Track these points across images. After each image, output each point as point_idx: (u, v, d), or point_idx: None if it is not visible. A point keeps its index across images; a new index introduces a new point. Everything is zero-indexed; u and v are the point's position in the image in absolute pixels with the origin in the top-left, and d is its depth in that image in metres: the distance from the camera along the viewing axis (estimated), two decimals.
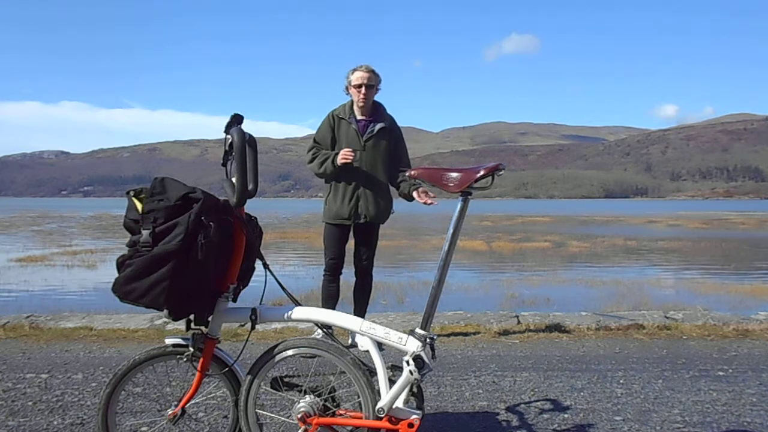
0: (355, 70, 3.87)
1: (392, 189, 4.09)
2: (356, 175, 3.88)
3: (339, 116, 3.94)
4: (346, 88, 3.93)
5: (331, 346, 1.95)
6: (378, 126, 3.92)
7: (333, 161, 3.82)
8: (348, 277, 4.09)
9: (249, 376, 1.98)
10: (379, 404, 1.88)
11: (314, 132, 4.14)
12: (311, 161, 3.98)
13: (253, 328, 1.97)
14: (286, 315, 1.97)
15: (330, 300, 3.96)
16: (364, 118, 3.93)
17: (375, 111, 3.97)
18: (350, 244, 4.04)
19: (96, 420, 2.03)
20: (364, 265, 4.02)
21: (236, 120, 1.92)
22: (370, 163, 3.89)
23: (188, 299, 1.82)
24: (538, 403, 2.96)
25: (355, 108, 3.92)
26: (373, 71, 3.86)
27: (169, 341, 2.00)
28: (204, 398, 2.63)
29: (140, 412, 2.76)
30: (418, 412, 1.89)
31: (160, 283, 1.75)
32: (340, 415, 1.98)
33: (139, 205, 1.84)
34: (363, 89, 3.82)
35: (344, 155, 3.76)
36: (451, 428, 2.64)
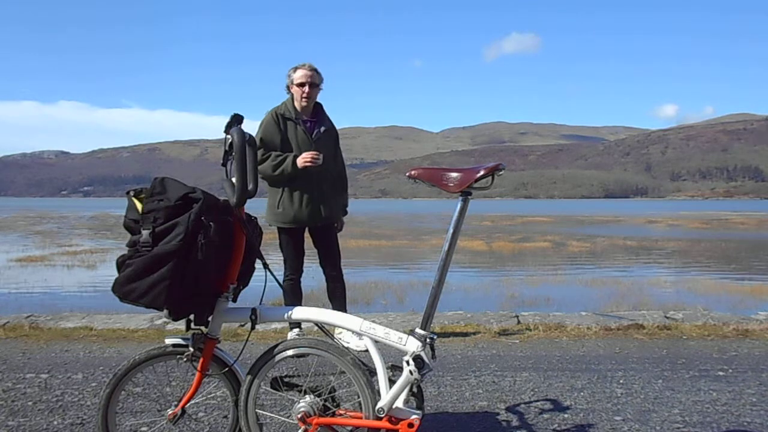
0: (297, 68, 3.81)
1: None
2: (311, 177, 3.80)
3: (284, 116, 3.84)
4: (288, 87, 3.86)
5: (331, 346, 1.95)
6: (323, 127, 3.92)
7: (293, 164, 3.72)
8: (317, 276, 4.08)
9: (249, 376, 1.97)
10: (379, 404, 1.88)
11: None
12: (262, 162, 3.76)
13: (253, 328, 1.97)
14: (286, 315, 1.97)
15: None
16: (308, 118, 3.90)
17: (318, 111, 3.96)
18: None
19: (96, 420, 2.03)
20: (335, 264, 4.00)
21: (236, 120, 1.92)
22: (322, 164, 3.81)
23: (188, 299, 1.82)
24: (538, 403, 2.96)
25: (297, 107, 3.86)
26: (316, 70, 3.82)
27: (169, 341, 2.00)
28: (204, 398, 2.63)
29: (140, 412, 2.76)
30: (418, 412, 1.89)
31: (160, 283, 1.75)
32: (340, 415, 1.98)
33: (139, 205, 1.84)
34: (306, 88, 3.78)
35: (312, 158, 3.69)
36: (451, 428, 2.64)
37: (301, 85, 3.78)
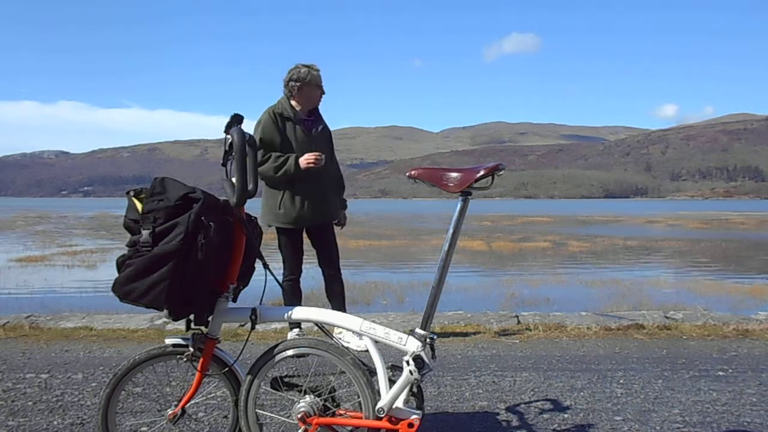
0: (310, 69, 3.80)
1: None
2: (313, 177, 3.79)
3: (283, 115, 3.81)
4: (295, 86, 3.78)
5: (331, 346, 1.95)
6: (320, 126, 3.95)
7: (296, 165, 3.69)
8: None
9: (249, 376, 1.98)
10: (379, 404, 1.88)
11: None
12: (263, 164, 3.70)
13: (253, 328, 1.97)
14: (286, 315, 1.97)
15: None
16: (305, 117, 3.90)
17: (314, 110, 3.96)
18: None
19: (96, 420, 2.03)
20: (334, 263, 4.00)
21: (236, 120, 1.92)
22: (323, 164, 3.83)
23: (188, 299, 1.82)
24: (538, 403, 2.96)
25: (297, 107, 3.84)
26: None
27: (169, 341, 2.00)
28: (204, 398, 2.63)
29: (140, 412, 2.76)
30: (418, 412, 1.89)
31: (160, 283, 1.75)
32: (340, 415, 1.98)
33: (139, 205, 1.84)
34: (321, 91, 3.85)
35: (316, 159, 3.69)
36: (451, 428, 2.64)
37: (319, 86, 3.83)
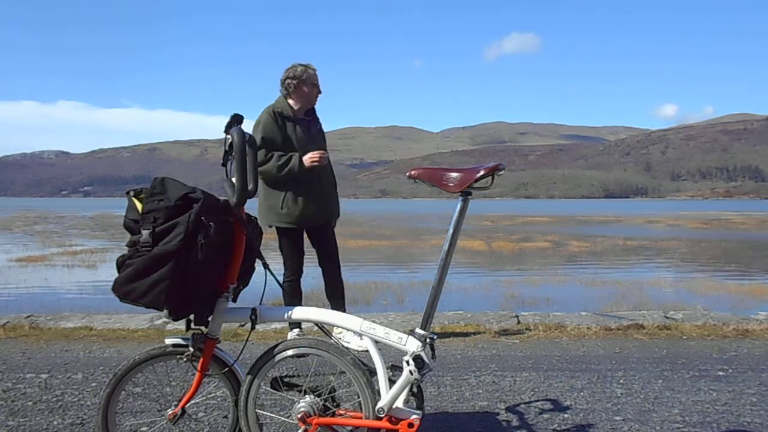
0: (307, 68, 3.80)
1: None
2: (315, 176, 3.81)
3: (283, 114, 3.79)
4: (292, 83, 3.76)
5: (331, 346, 1.95)
6: (318, 125, 3.98)
7: (300, 163, 3.70)
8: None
9: (249, 376, 1.98)
10: (379, 404, 1.88)
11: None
12: (265, 163, 3.69)
13: (253, 328, 1.97)
14: (286, 315, 1.97)
15: None
16: (303, 116, 3.90)
17: (311, 110, 3.96)
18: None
19: (96, 420, 2.03)
20: (334, 263, 3.99)
21: (236, 120, 1.92)
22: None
23: (188, 299, 1.82)
24: (538, 403, 2.96)
25: (295, 106, 3.83)
26: None
27: (169, 341, 2.00)
28: (204, 398, 2.63)
29: (140, 412, 2.76)
30: (418, 412, 1.89)
31: (160, 283, 1.75)
32: (340, 415, 1.98)
33: (139, 205, 1.85)
34: (317, 89, 3.86)
35: (320, 157, 3.71)
36: (451, 428, 2.64)
37: (315, 85, 3.83)
